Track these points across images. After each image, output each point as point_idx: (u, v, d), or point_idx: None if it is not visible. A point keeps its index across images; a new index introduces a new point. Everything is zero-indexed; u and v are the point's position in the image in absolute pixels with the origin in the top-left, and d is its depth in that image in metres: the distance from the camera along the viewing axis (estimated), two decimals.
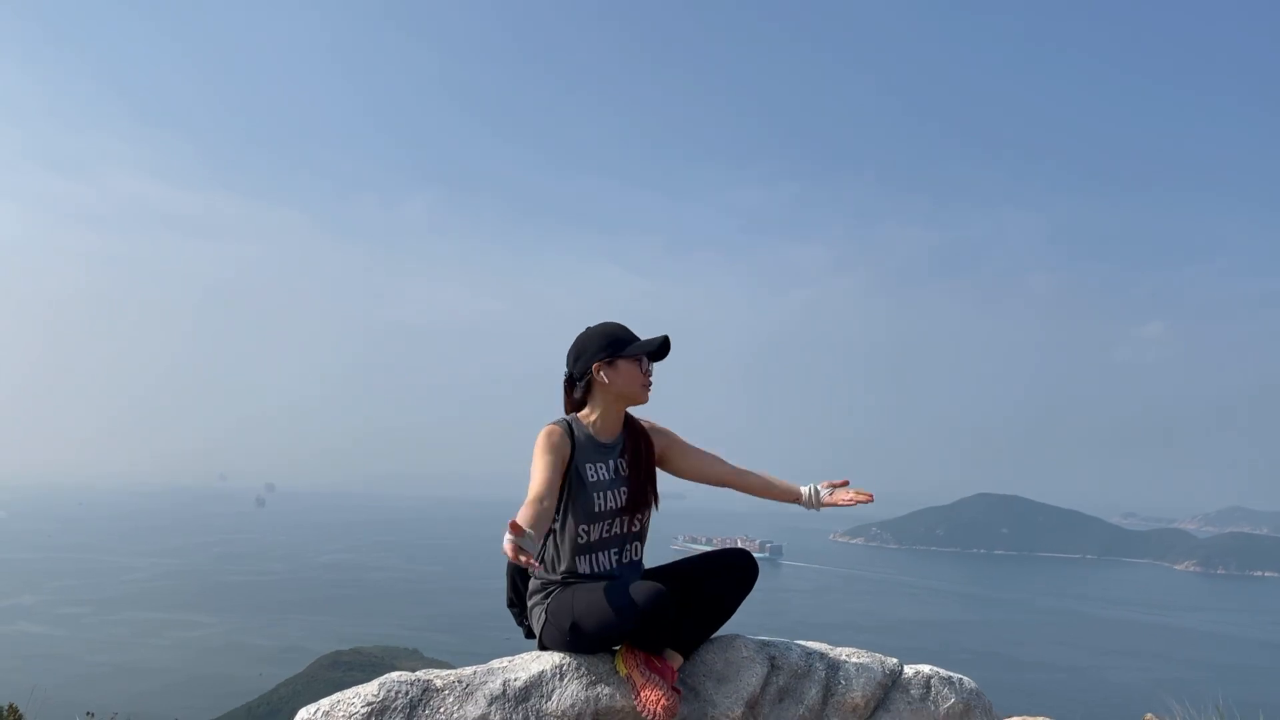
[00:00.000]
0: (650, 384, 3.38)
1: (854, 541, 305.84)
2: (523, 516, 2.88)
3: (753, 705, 3.18)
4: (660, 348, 3.36)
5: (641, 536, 3.45)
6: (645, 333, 3.43)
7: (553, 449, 3.18)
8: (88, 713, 10.26)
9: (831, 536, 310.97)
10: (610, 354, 3.30)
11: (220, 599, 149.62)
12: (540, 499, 3.00)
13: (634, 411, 3.53)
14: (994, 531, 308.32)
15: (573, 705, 3.02)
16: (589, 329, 3.42)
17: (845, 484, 3.50)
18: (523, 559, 2.67)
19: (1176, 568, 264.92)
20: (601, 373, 3.31)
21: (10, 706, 9.39)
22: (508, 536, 2.65)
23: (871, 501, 3.49)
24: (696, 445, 3.61)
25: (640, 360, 3.33)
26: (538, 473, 3.10)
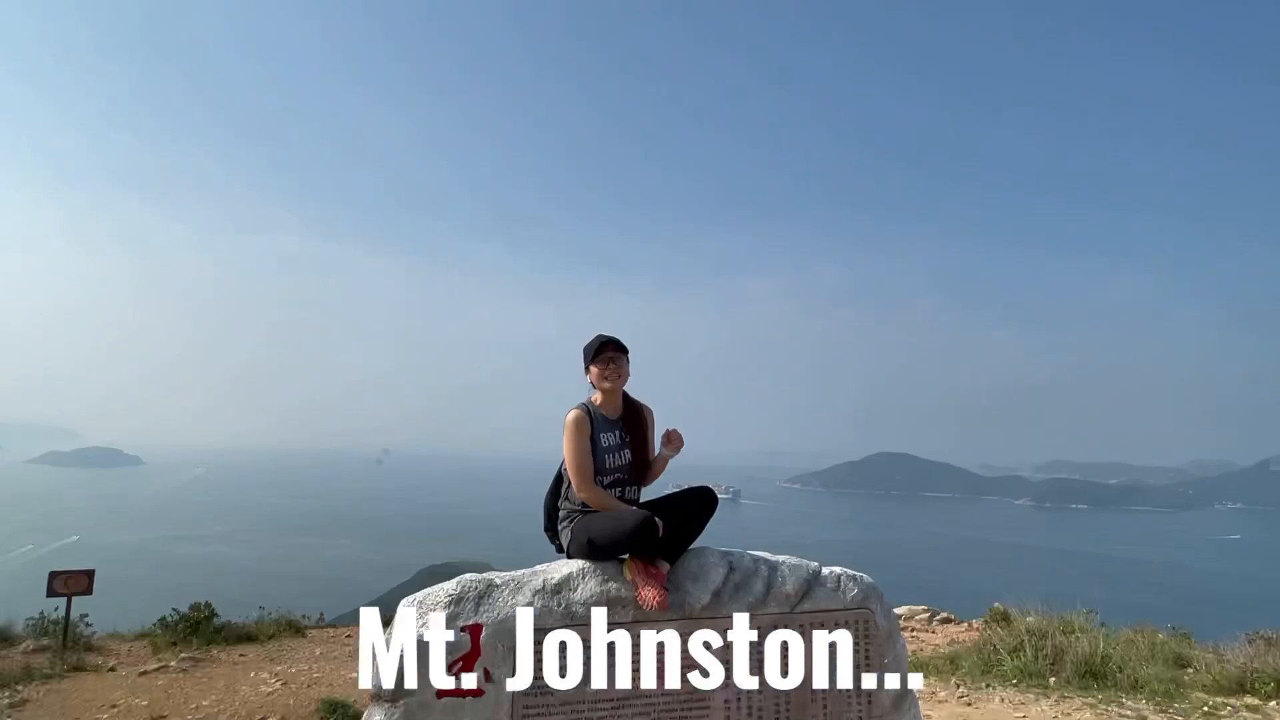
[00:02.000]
0: (610, 374, 3.41)
1: (794, 486, 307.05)
2: (593, 493, 3.31)
3: (717, 594, 3.22)
4: (599, 350, 3.42)
5: (638, 481, 3.53)
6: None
7: (580, 432, 3.35)
8: (260, 606, 10.31)
9: (779, 483, 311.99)
10: (585, 364, 3.48)
11: (353, 529, 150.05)
12: (589, 472, 3.33)
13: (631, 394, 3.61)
14: (890, 478, 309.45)
15: (592, 596, 3.07)
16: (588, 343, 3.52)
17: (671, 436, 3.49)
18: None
19: (1016, 503, 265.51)
20: (588, 376, 3.48)
21: (206, 603, 9.43)
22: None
23: (676, 438, 3.48)
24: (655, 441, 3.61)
25: (598, 363, 3.42)
26: (580, 453, 3.32)
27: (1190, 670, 7.35)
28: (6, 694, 6.48)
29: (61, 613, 8.57)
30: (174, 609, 9.32)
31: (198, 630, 8.89)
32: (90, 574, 8.57)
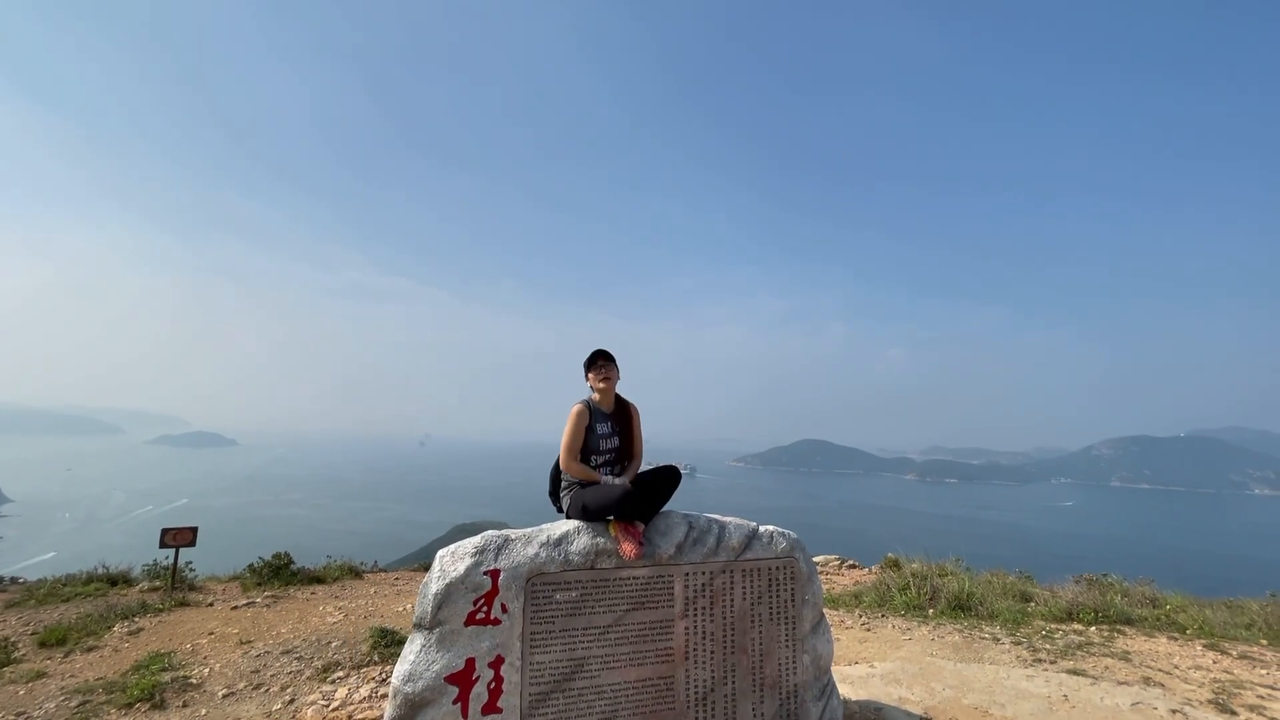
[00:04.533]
0: (601, 379, 3.32)
1: (739, 465, 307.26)
2: (573, 468, 3.22)
3: (680, 547, 3.20)
4: (593, 361, 3.34)
5: (623, 461, 3.44)
6: (621, 352, 3.46)
7: (579, 420, 3.25)
8: (327, 555, 10.08)
9: (728, 462, 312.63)
10: (585, 373, 3.39)
11: (400, 496, 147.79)
12: (575, 451, 3.22)
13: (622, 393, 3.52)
14: (812, 459, 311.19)
15: (585, 548, 3.03)
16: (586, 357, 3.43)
17: None
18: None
19: (905, 478, 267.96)
20: (588, 382, 3.39)
21: (285, 553, 9.22)
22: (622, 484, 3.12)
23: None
24: (640, 433, 3.52)
25: (593, 371, 3.35)
26: (573, 437, 3.23)
27: (1032, 603, 7.46)
28: (126, 624, 6.29)
29: (170, 560, 8.34)
30: (260, 557, 9.10)
31: (278, 574, 8.69)
32: (194, 530, 8.34)
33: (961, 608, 7.15)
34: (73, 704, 4.29)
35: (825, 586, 8.95)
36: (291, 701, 4.31)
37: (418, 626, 2.80)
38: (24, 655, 5.47)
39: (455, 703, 2.70)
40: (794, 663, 3.32)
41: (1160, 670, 5.21)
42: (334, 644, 5.56)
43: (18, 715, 4.15)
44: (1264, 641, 6.20)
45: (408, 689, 2.68)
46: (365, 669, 4.88)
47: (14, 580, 9.62)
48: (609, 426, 3.37)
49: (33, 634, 6.03)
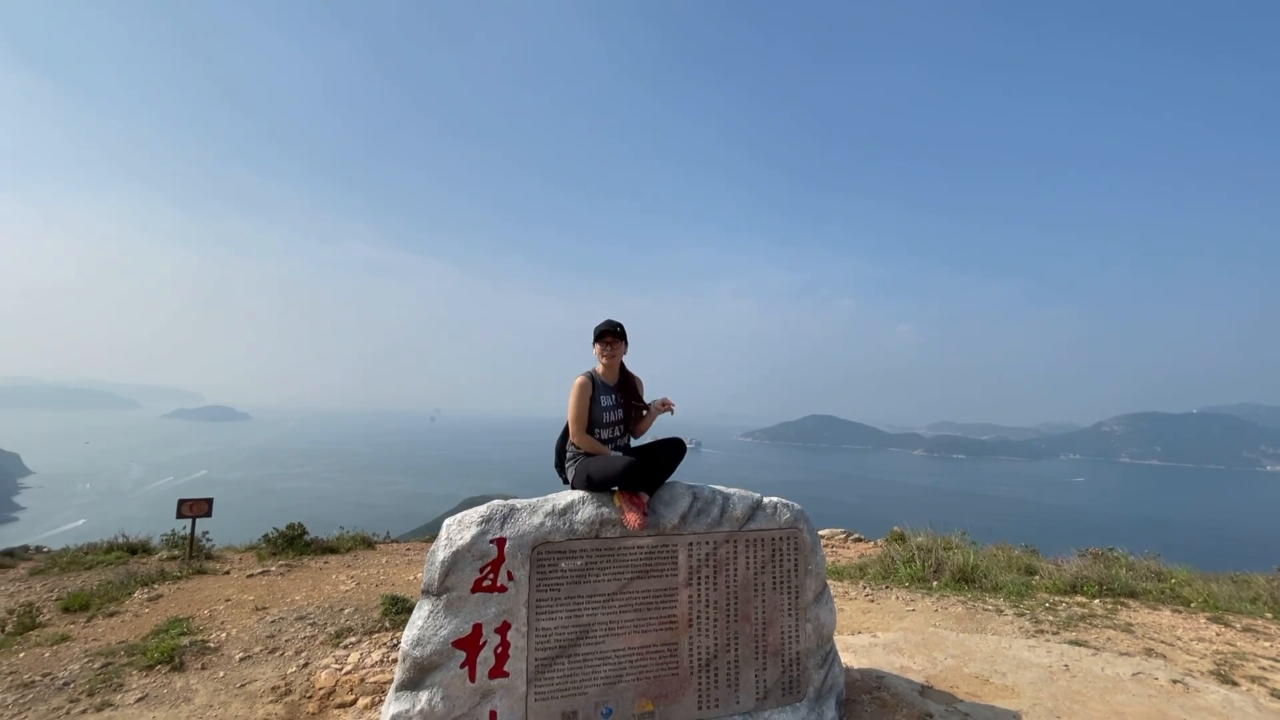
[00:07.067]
0: (607, 353, 3.36)
1: (746, 439, 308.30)
2: (584, 440, 3.28)
3: (684, 517, 3.22)
4: (600, 335, 3.37)
5: (628, 433, 3.47)
6: (630, 324, 3.45)
7: (583, 393, 3.29)
8: (340, 526, 10.26)
9: (734, 437, 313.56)
10: (593, 342, 3.42)
11: (412, 469, 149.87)
12: (584, 423, 3.27)
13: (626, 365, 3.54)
14: (820, 434, 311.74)
15: (590, 518, 3.06)
16: (597, 325, 3.45)
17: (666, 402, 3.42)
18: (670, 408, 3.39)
19: (913, 453, 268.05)
20: (594, 350, 3.42)
21: (299, 523, 9.40)
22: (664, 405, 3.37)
23: (670, 404, 3.40)
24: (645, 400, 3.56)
25: (600, 344, 3.38)
26: (579, 409, 3.27)
27: (1036, 577, 7.50)
28: (146, 590, 6.47)
29: (188, 530, 8.53)
30: (274, 528, 9.29)
31: (292, 544, 8.87)
32: (209, 501, 8.52)
33: (965, 580, 7.20)
34: (96, 666, 4.44)
35: (830, 559, 9.03)
36: (306, 665, 4.43)
37: (426, 593, 2.85)
38: (49, 620, 5.65)
39: (463, 666, 2.76)
40: (797, 631, 3.36)
41: (1163, 642, 5.24)
42: (347, 611, 5.70)
43: (44, 676, 4.30)
44: (1269, 615, 6.21)
45: (416, 653, 2.75)
46: (377, 634, 5.01)
47: (39, 549, 9.89)
48: (613, 399, 3.39)
49: (57, 599, 6.22)
